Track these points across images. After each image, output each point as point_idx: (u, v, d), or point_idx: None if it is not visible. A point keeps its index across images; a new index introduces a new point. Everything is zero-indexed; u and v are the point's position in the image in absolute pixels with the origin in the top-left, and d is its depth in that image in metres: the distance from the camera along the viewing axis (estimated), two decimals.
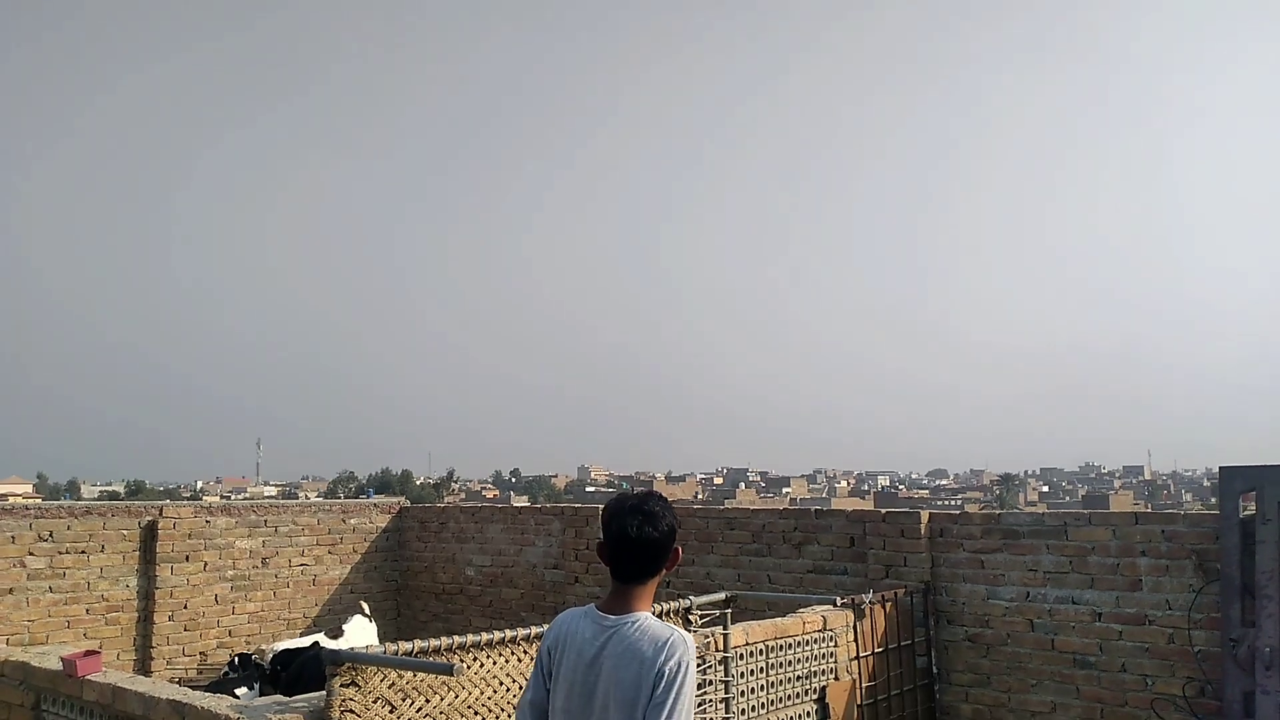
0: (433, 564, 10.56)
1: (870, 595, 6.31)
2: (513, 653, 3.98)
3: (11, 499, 9.99)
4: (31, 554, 8.26)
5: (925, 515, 6.98)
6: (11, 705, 4.69)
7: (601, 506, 9.23)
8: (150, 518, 9.00)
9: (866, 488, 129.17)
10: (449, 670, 3.21)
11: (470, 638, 3.81)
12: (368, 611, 9.52)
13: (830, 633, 5.93)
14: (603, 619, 2.71)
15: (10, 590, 8.11)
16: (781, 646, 5.58)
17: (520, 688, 4.00)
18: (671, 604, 4.72)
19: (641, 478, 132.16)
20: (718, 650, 5.08)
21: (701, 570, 8.05)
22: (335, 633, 8.78)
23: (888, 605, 6.44)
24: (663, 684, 2.55)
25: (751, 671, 5.37)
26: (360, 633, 8.78)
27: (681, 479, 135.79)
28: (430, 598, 10.50)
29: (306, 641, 8.50)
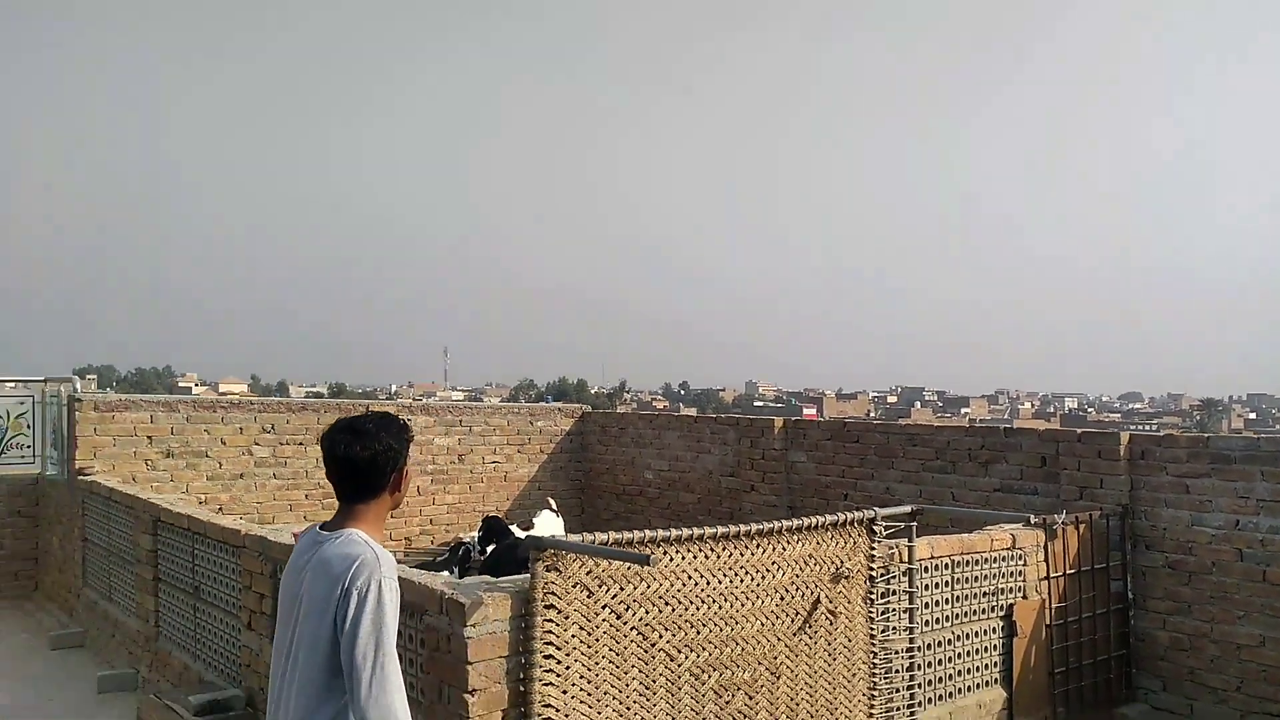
0: (613, 466, 10.94)
1: (1063, 516, 6.10)
2: (700, 549, 4.11)
3: (230, 396, 10.99)
4: (257, 444, 9.13)
5: (1125, 436, 6.64)
6: (253, 573, 5.27)
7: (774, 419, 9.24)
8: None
9: (1052, 409, 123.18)
10: (645, 560, 3.37)
11: (660, 533, 3.95)
12: (555, 507, 10.02)
13: (1019, 551, 5.80)
14: (318, 535, 2.68)
15: (241, 475, 9.01)
16: (968, 562, 5.51)
17: (706, 583, 4.15)
18: (855, 514, 4.73)
19: (810, 394, 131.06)
20: (902, 562, 5.07)
21: (880, 485, 7.99)
22: (526, 525, 9.30)
23: (1081, 527, 6.22)
24: (352, 604, 2.48)
25: (936, 585, 5.34)
26: (548, 526, 9.26)
27: (852, 396, 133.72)
28: (611, 497, 10.92)
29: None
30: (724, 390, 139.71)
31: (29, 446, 9.46)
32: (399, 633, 2.69)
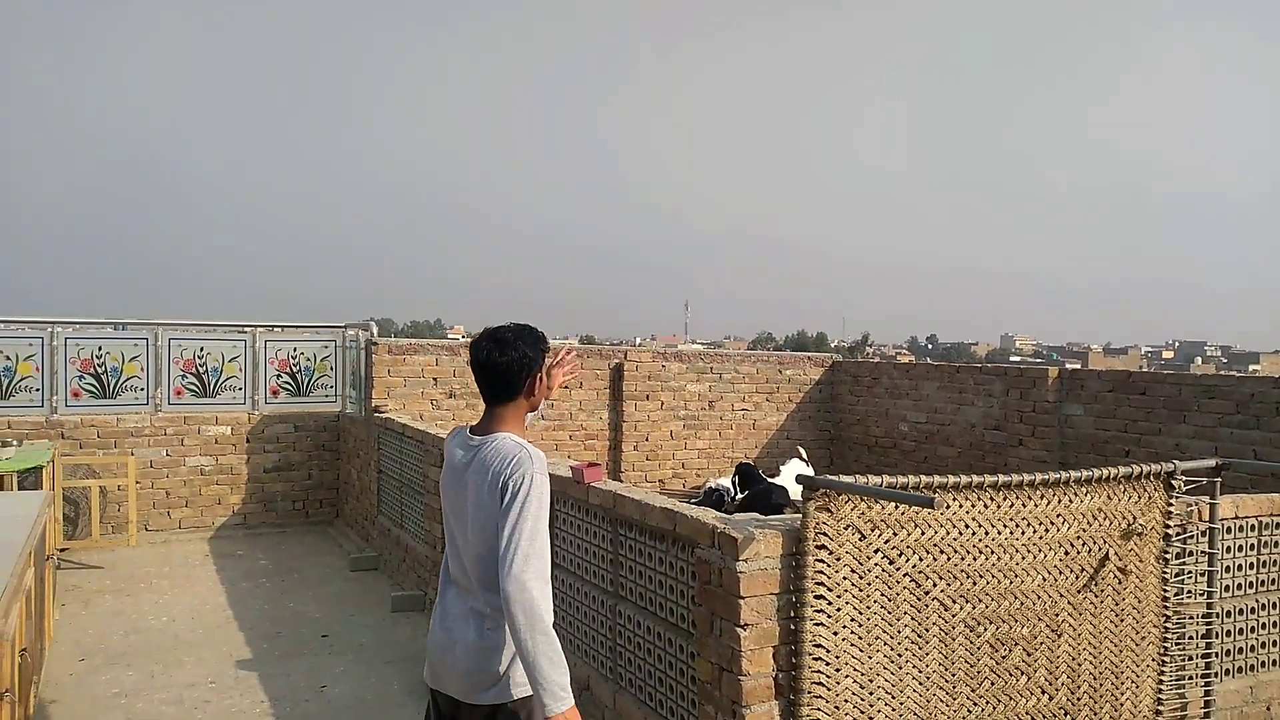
0: (865, 417, 10.73)
1: None
2: (978, 498, 3.95)
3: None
4: None
5: None
6: None
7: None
8: (617, 360, 10.09)
9: None
10: (929, 503, 3.27)
11: (937, 479, 3.83)
12: (805, 456, 9.99)
13: None
14: (469, 439, 3.00)
15: None
16: (1277, 525, 4.97)
17: (985, 533, 3.99)
18: (1152, 467, 4.37)
19: (1074, 349, 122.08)
20: (1201, 520, 4.64)
21: (1169, 441, 7.35)
22: (773, 473, 9.34)
23: None
24: (509, 493, 2.78)
25: (1240, 548, 4.86)
26: (797, 474, 9.26)
27: (1123, 351, 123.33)
28: (863, 449, 10.73)
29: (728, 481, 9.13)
30: (976, 344, 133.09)
31: (331, 386, 10.57)
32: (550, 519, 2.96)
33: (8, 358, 9.29)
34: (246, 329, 10.25)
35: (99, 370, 9.61)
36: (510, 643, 2.83)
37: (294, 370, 10.37)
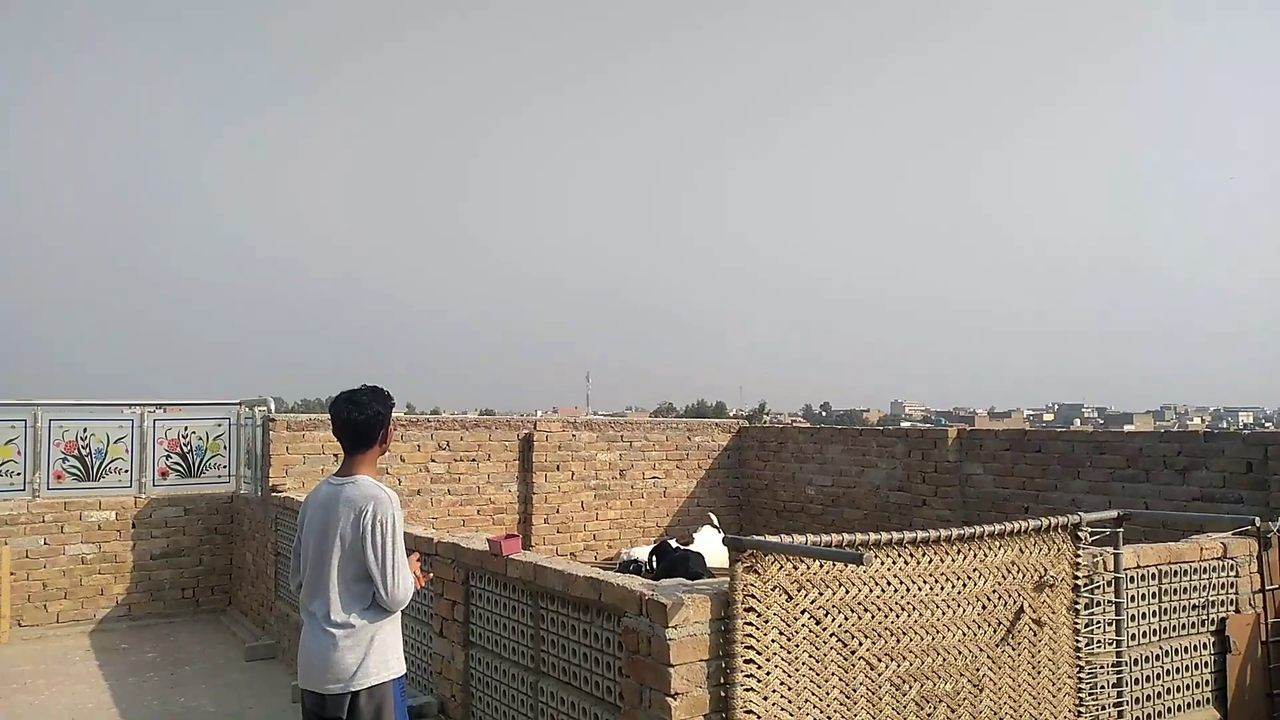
0: (773, 482, 10.83)
1: (1278, 523, 5.65)
2: (899, 554, 4.00)
3: (405, 416, 11.44)
4: (434, 460, 9.48)
5: None
6: (445, 580, 5.44)
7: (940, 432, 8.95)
8: (526, 431, 9.97)
9: (1226, 424, 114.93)
10: (858, 560, 3.28)
11: (861, 536, 3.86)
12: (716, 523, 10.00)
13: (1231, 561, 5.40)
14: (335, 480, 3.82)
15: (418, 491, 9.37)
16: (1176, 572, 5.17)
17: (906, 589, 4.03)
18: (1060, 519, 4.51)
19: (960, 413, 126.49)
20: (1107, 570, 4.80)
21: (1065, 496, 7.62)
22: (686, 540, 9.31)
23: None
24: (375, 524, 3.62)
25: (1143, 596, 5.03)
26: (709, 541, 9.25)
27: (1006, 414, 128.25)
28: (771, 514, 10.80)
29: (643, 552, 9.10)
30: (868, 411, 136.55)
31: (225, 466, 10.12)
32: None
33: None
34: (134, 407, 9.77)
35: None
36: (364, 644, 3.68)
37: (185, 450, 9.91)
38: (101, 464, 9.52)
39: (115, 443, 9.60)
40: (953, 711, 4.15)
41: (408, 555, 3.99)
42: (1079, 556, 4.57)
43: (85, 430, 9.50)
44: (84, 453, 9.45)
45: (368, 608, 3.70)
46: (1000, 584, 4.31)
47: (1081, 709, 4.58)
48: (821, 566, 3.79)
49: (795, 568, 3.77)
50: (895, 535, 3.96)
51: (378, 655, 3.71)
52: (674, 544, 8.81)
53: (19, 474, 9.18)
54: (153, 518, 9.66)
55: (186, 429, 9.94)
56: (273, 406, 9.44)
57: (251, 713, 6.74)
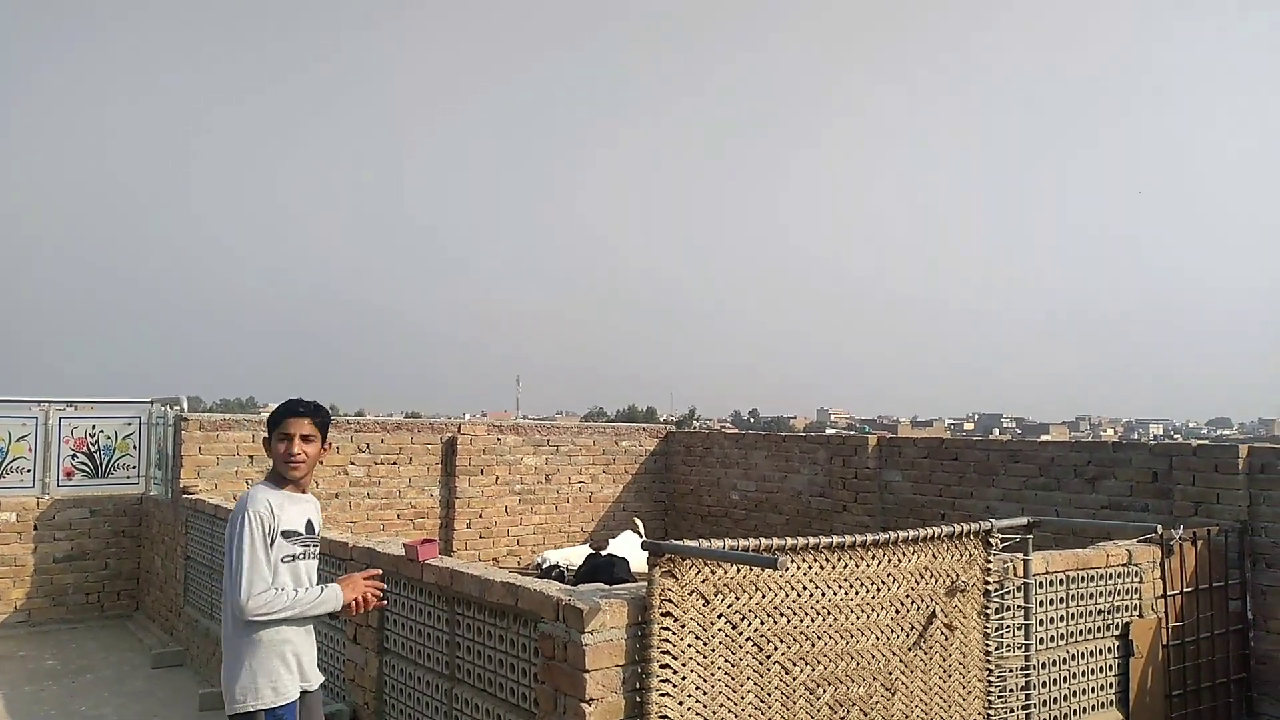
0: (699, 487, 10.87)
1: (1180, 531, 5.86)
2: (815, 559, 4.03)
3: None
4: (353, 463, 9.29)
5: (1244, 449, 6.37)
6: None
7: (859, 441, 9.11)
8: (450, 434, 9.84)
9: (1137, 435, 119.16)
10: (773, 564, 3.29)
11: (778, 540, 3.88)
12: (641, 530, 9.98)
13: (1135, 567, 5.58)
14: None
15: (336, 495, 9.17)
16: (1083, 578, 5.32)
17: (822, 594, 4.06)
18: (971, 525, 4.60)
19: (884, 421, 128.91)
20: (1017, 576, 4.92)
21: (980, 504, 7.79)
22: (600, 544, 9.27)
23: (1199, 543, 5.97)
24: (227, 534, 3.45)
25: (1051, 601, 5.17)
26: (627, 546, 9.23)
27: (928, 423, 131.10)
28: (696, 519, 10.84)
29: (573, 553, 9.06)
30: (795, 418, 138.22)
31: (134, 466, 9.77)
32: None
33: None
34: (40, 404, 9.38)
35: None
36: (233, 664, 3.44)
37: (92, 450, 9.54)
38: (2, 463, 9.12)
39: (18, 440, 9.21)
40: (865, 715, 4.19)
41: (360, 571, 3.90)
42: (990, 562, 4.66)
43: None
44: None
45: (232, 623, 3.45)
46: (914, 589, 4.37)
47: (990, 712, 4.67)
48: (739, 571, 3.80)
49: (713, 572, 3.77)
50: (811, 540, 3.99)
51: (246, 679, 3.41)
52: (599, 550, 8.79)
53: None
54: (56, 519, 9.28)
55: (94, 427, 9.58)
56: (186, 405, 9.14)
57: None
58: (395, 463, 9.48)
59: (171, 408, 9.28)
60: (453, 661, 4.48)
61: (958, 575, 4.53)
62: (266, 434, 3.67)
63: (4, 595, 9.03)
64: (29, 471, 9.25)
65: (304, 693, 3.59)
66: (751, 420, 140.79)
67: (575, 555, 9.01)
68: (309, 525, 3.62)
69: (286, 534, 3.48)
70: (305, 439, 3.59)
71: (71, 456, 9.46)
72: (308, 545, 3.60)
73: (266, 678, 3.42)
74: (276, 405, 3.74)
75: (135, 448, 9.75)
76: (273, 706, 3.41)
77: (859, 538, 4.12)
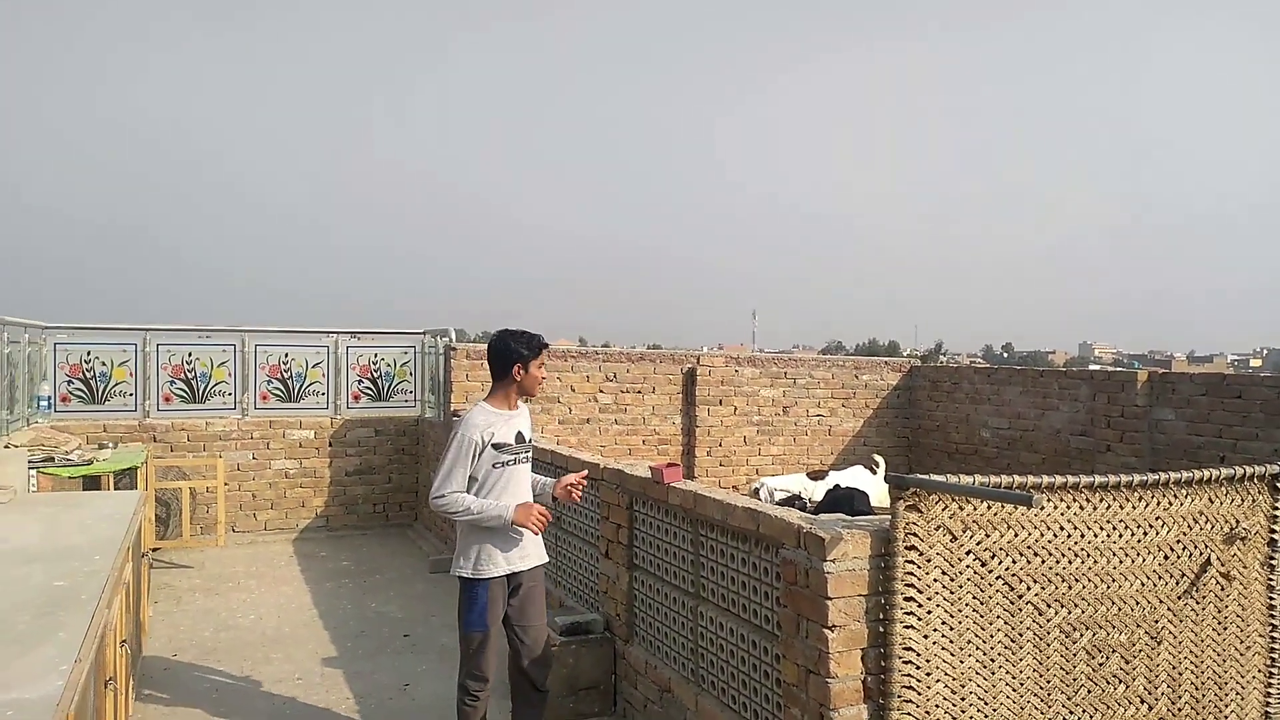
0: (945, 424, 10.53)
1: None
2: (1074, 499, 3.84)
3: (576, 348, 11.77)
4: (602, 391, 9.73)
5: None
6: (610, 504, 5.63)
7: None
8: (690, 365, 10.07)
9: None
10: (1028, 501, 3.18)
11: (1030, 478, 3.73)
12: (880, 463, 9.83)
13: None
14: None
15: (587, 420, 9.67)
16: None
17: (1081, 535, 3.87)
18: (1257, 469, 4.21)
19: (1156, 357, 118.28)
20: None
21: (1268, 447, 7.06)
22: (819, 474, 9.19)
23: None
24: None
25: None
26: (851, 478, 9.09)
27: (1208, 359, 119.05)
28: (943, 456, 10.53)
29: (790, 480, 9.05)
30: (1054, 353, 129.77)
31: (411, 391, 10.75)
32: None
33: (104, 364, 9.65)
34: (330, 335, 10.49)
35: (189, 376, 9.92)
36: (459, 540, 4.35)
37: (374, 375, 10.57)
38: (301, 387, 10.30)
39: (313, 367, 10.35)
40: (1126, 662, 3.99)
41: (577, 472, 4.66)
42: (1277, 509, 4.25)
43: (287, 355, 10.29)
44: (286, 376, 10.26)
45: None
46: (1186, 534, 4.07)
47: (1274, 669, 4.31)
48: (989, 508, 3.70)
49: (961, 508, 3.69)
50: (1070, 478, 3.80)
51: (460, 552, 4.35)
52: (817, 478, 8.76)
53: (230, 394, 10.07)
54: (347, 437, 10.39)
55: (376, 356, 10.59)
56: (454, 336, 9.91)
57: (434, 620, 7.22)
58: (640, 391, 9.84)
59: (441, 339, 10.09)
60: (698, 580, 4.67)
61: (1238, 521, 4.17)
62: (520, 355, 4.36)
63: (307, 503, 10.27)
64: (323, 394, 10.39)
65: (515, 574, 4.37)
66: (1005, 355, 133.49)
67: (793, 483, 9.01)
68: (519, 436, 4.39)
69: (498, 446, 4.27)
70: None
71: (358, 381, 10.52)
72: (516, 454, 4.36)
73: (470, 557, 4.29)
74: (515, 333, 4.44)
75: (411, 374, 10.72)
76: (471, 578, 4.28)
77: (1125, 477, 3.88)
